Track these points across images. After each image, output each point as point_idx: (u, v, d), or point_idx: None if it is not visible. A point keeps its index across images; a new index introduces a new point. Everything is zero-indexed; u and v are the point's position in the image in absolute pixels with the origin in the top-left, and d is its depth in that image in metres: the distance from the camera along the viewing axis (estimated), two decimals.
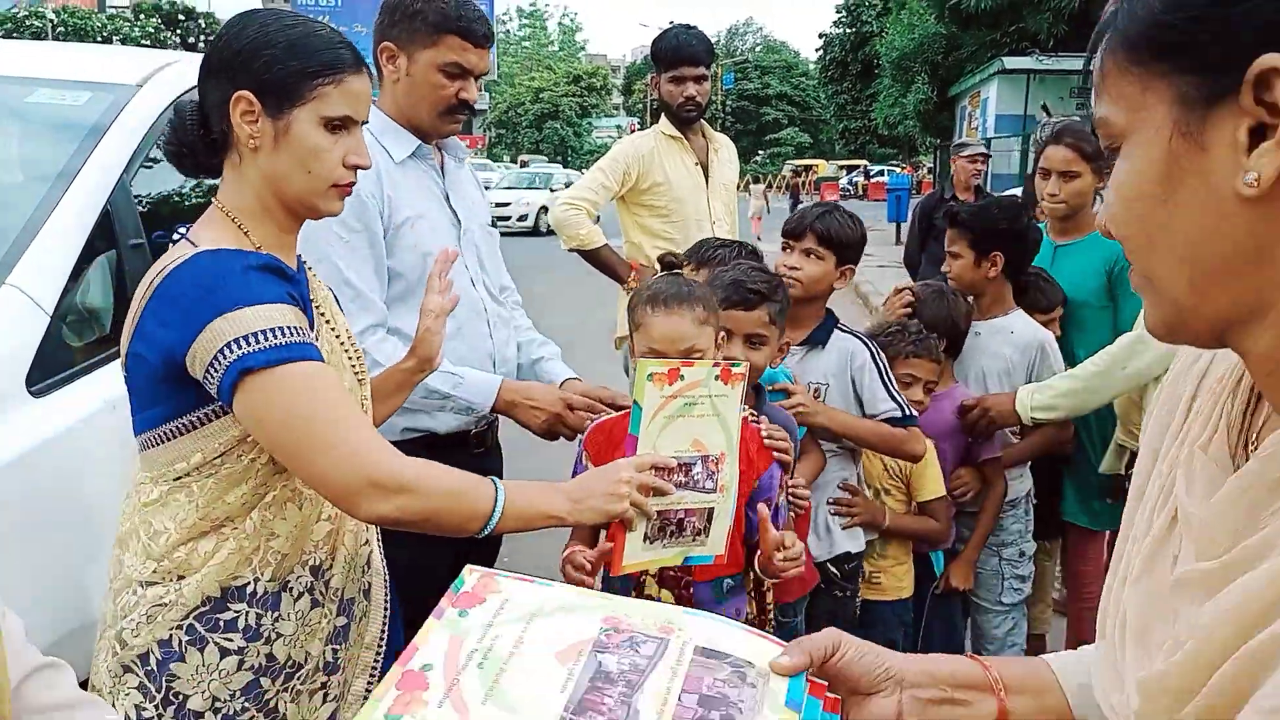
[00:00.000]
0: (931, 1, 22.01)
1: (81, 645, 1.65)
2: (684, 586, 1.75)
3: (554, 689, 0.83)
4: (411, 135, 2.21)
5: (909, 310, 2.63)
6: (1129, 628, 0.70)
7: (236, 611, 1.40)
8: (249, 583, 1.41)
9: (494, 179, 24.71)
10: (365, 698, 1.58)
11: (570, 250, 3.63)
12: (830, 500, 2.32)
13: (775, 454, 1.89)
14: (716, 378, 1.60)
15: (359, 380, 1.58)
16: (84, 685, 1.64)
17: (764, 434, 1.91)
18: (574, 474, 1.86)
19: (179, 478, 1.39)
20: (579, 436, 1.89)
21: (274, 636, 1.43)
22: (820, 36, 44.17)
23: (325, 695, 1.52)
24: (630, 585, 1.75)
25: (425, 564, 2.00)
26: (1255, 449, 0.63)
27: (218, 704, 1.40)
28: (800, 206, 2.49)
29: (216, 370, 1.29)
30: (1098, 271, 2.86)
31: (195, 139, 1.47)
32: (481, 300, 2.31)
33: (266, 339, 1.29)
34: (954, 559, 2.80)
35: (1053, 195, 2.90)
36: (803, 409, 2.16)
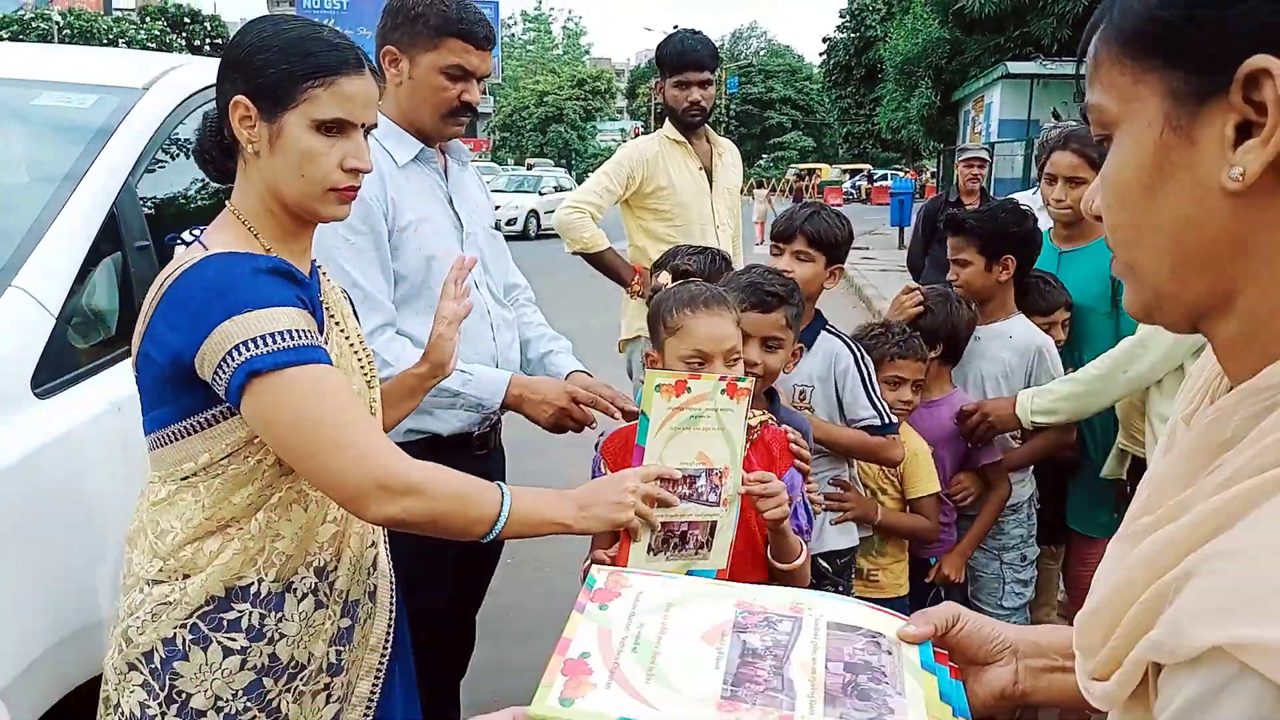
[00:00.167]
0: (935, 6, 22.02)
1: (85, 646, 1.66)
2: None
3: (708, 666, 0.91)
4: (414, 139, 2.22)
5: (920, 310, 2.62)
6: (1094, 578, 0.74)
7: (240, 611, 1.41)
8: (253, 583, 1.41)
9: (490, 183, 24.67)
10: (369, 699, 1.58)
11: (574, 253, 3.63)
12: (821, 495, 2.31)
13: (796, 460, 1.90)
14: (723, 391, 1.61)
15: (368, 383, 1.58)
16: (89, 686, 1.65)
17: (791, 438, 1.92)
18: (591, 477, 1.87)
19: (186, 477, 1.39)
20: (596, 440, 1.88)
21: (277, 637, 1.43)
22: (824, 41, 44.20)
23: (329, 696, 1.52)
24: None
25: (430, 565, 2.01)
26: None
27: (220, 703, 1.40)
28: (786, 208, 2.48)
29: (225, 372, 1.29)
30: (1102, 277, 2.86)
31: (212, 143, 1.48)
32: (485, 303, 2.31)
33: (274, 341, 1.29)
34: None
35: (1059, 201, 2.91)
36: (797, 415, 2.17)
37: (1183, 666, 0.56)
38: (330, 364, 1.37)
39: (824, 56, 45.53)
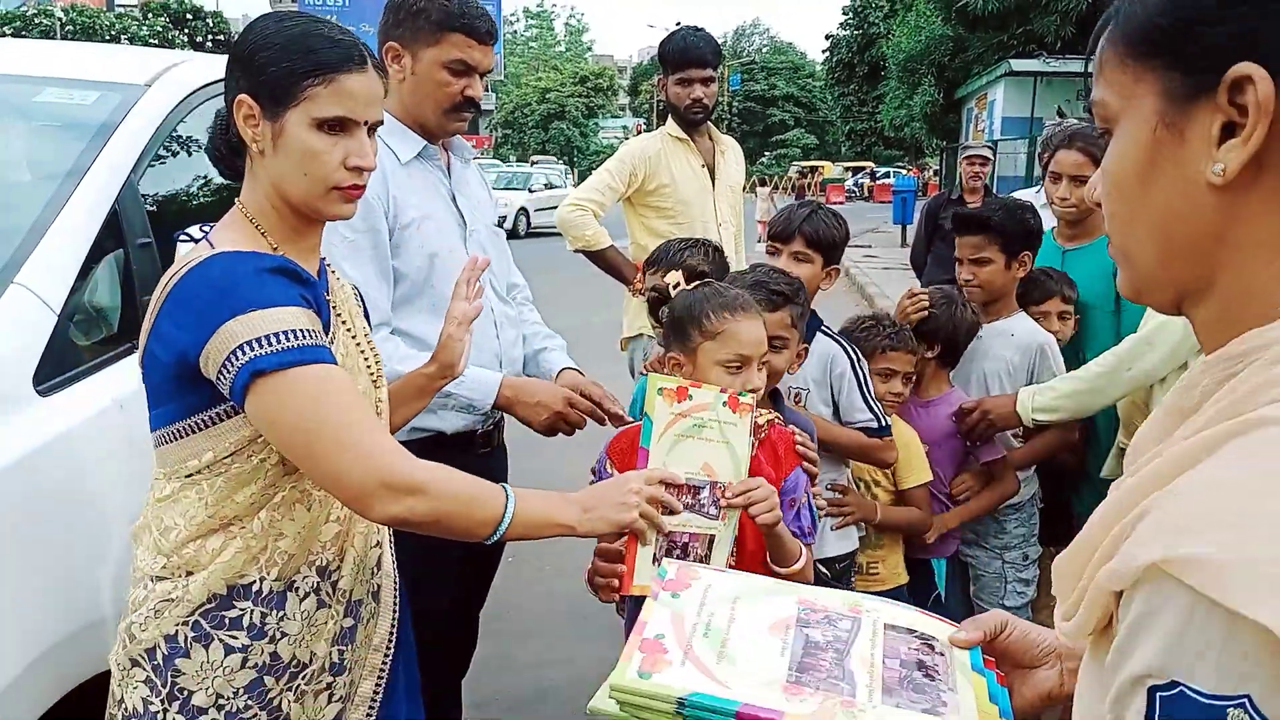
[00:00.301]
0: (938, 3, 21.96)
1: (87, 644, 1.66)
2: None
3: (774, 654, 1.00)
4: (417, 136, 2.22)
5: (924, 315, 2.60)
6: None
7: (241, 609, 1.41)
8: (254, 581, 1.41)
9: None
10: (372, 699, 1.58)
11: (576, 251, 3.63)
12: (820, 499, 2.29)
13: (804, 462, 1.90)
14: (724, 404, 1.60)
15: (374, 383, 1.58)
16: (93, 682, 1.65)
17: (798, 439, 1.91)
18: (596, 477, 1.87)
19: (190, 475, 1.39)
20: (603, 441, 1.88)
21: (279, 636, 1.43)
22: (827, 38, 44.10)
23: (331, 696, 1.52)
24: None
25: (435, 566, 2.01)
26: None
27: (221, 701, 1.40)
28: (783, 208, 2.45)
29: (229, 372, 1.29)
30: (1105, 275, 2.85)
31: (221, 141, 1.48)
32: (489, 300, 2.31)
33: (278, 341, 1.29)
34: (955, 565, 2.81)
35: (1063, 199, 2.90)
36: (802, 415, 2.17)
37: (1131, 591, 0.62)
38: (335, 363, 1.37)
39: (827, 53, 45.45)
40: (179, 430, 1.39)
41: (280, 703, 1.44)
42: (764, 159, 59.05)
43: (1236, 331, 0.67)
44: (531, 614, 3.75)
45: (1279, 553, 0.54)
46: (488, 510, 1.40)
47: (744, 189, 3.97)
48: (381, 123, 1.50)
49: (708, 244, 2.40)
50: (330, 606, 1.49)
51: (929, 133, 29.42)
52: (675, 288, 1.80)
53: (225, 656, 1.40)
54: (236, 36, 1.48)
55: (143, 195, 2.07)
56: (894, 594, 2.45)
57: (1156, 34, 0.68)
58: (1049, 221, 3.06)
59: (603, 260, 3.60)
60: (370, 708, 1.58)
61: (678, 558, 1.56)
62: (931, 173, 35.23)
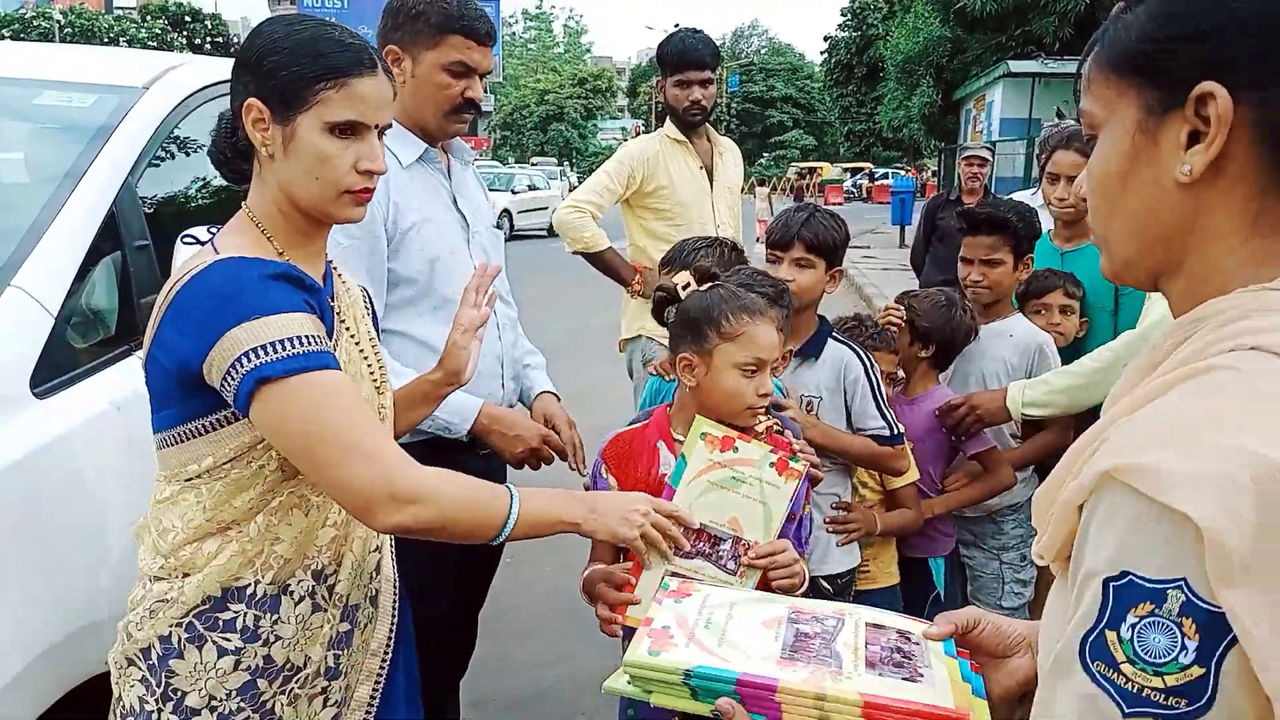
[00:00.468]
0: (936, 5, 21.98)
1: (86, 646, 1.66)
2: None
3: (769, 640, 1.13)
4: (418, 139, 2.22)
5: (895, 327, 2.59)
6: None
7: (236, 612, 1.41)
8: (249, 584, 1.41)
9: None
10: (369, 705, 1.57)
11: (574, 253, 3.63)
12: (826, 520, 2.28)
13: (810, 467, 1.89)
14: (771, 465, 1.60)
15: (377, 389, 1.57)
16: (92, 682, 1.65)
17: (797, 448, 1.91)
18: (591, 482, 1.86)
19: (190, 479, 1.39)
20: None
21: (272, 639, 1.43)
22: (825, 39, 44.18)
23: (326, 700, 1.51)
24: None
25: (435, 573, 2.00)
26: None
27: (214, 703, 1.40)
28: (779, 214, 2.42)
29: (233, 379, 1.29)
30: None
31: (227, 145, 1.47)
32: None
33: (283, 349, 1.29)
34: (954, 566, 2.80)
35: (1061, 200, 2.91)
36: (792, 422, 2.11)
37: (1089, 501, 0.73)
38: (339, 369, 1.36)
39: (825, 55, 45.52)
40: (180, 434, 1.39)
41: (273, 706, 1.44)
42: (762, 160, 59.06)
43: (1200, 303, 0.79)
44: (530, 614, 3.74)
45: (1208, 464, 0.66)
46: (492, 512, 1.40)
47: (742, 190, 3.97)
48: (390, 125, 1.49)
49: (725, 242, 2.37)
50: (326, 611, 1.49)
51: (927, 134, 29.46)
52: (685, 288, 1.78)
53: (218, 658, 1.40)
54: (242, 40, 1.48)
55: (141, 198, 2.07)
56: (887, 594, 2.46)
57: (1137, 57, 0.80)
58: (1046, 223, 3.07)
59: (601, 262, 3.60)
60: (367, 712, 1.58)
61: None
62: (930, 174, 35.26)
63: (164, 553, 1.40)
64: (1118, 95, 0.82)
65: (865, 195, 37.93)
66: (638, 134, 5.34)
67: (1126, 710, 0.68)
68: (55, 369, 1.74)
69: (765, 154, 61.12)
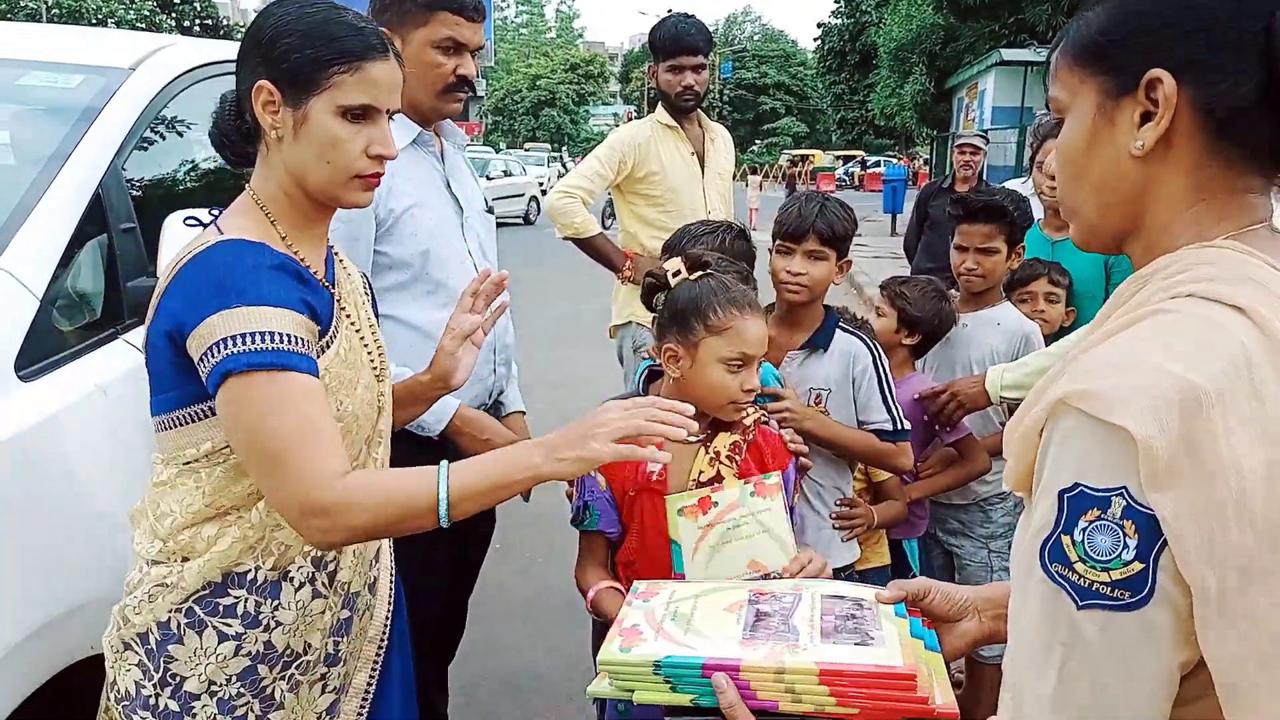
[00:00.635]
0: None
1: (71, 630, 1.65)
2: None
3: (731, 623, 1.20)
4: (412, 122, 2.20)
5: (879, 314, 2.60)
6: None
7: (236, 598, 1.40)
8: (250, 570, 1.40)
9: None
10: (366, 690, 1.58)
11: (565, 239, 3.62)
12: (832, 515, 2.26)
13: (800, 459, 1.88)
14: (752, 494, 1.59)
15: (377, 377, 1.55)
16: (83, 665, 1.65)
17: (787, 439, 1.90)
18: (579, 484, 1.79)
19: (188, 463, 1.38)
20: None
21: (273, 625, 1.42)
22: (818, 26, 44.05)
23: (325, 686, 1.51)
24: None
25: (426, 554, 2.00)
26: None
27: (214, 688, 1.40)
28: (790, 204, 2.32)
29: (205, 365, 1.27)
30: (1094, 264, 2.87)
31: (231, 128, 1.45)
32: None
33: (253, 341, 1.26)
34: (940, 554, 2.81)
35: (1054, 188, 2.91)
36: (790, 414, 2.09)
37: (1047, 426, 0.85)
38: (312, 374, 1.31)
39: (818, 42, 45.41)
40: (179, 418, 1.38)
41: (274, 691, 1.44)
42: (755, 147, 58.97)
43: (1153, 259, 0.92)
44: (518, 598, 3.75)
45: (1142, 386, 0.78)
46: (420, 499, 1.28)
47: (734, 178, 3.96)
48: (399, 110, 1.48)
49: (730, 228, 2.33)
50: (327, 598, 1.48)
51: (919, 122, 29.45)
52: (675, 275, 1.74)
53: (219, 644, 1.39)
54: (251, 21, 1.44)
55: (127, 180, 2.05)
56: (878, 573, 2.45)
57: (1096, 49, 0.92)
58: (1036, 213, 3.07)
59: (592, 248, 3.59)
60: (364, 699, 1.58)
61: None
62: (921, 161, 35.26)
63: (162, 536, 1.40)
64: (1080, 82, 0.94)
65: (857, 183, 37.91)
66: (630, 120, 5.33)
67: (1080, 603, 0.80)
68: (40, 352, 1.73)
69: (758, 141, 61.00)
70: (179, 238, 1.64)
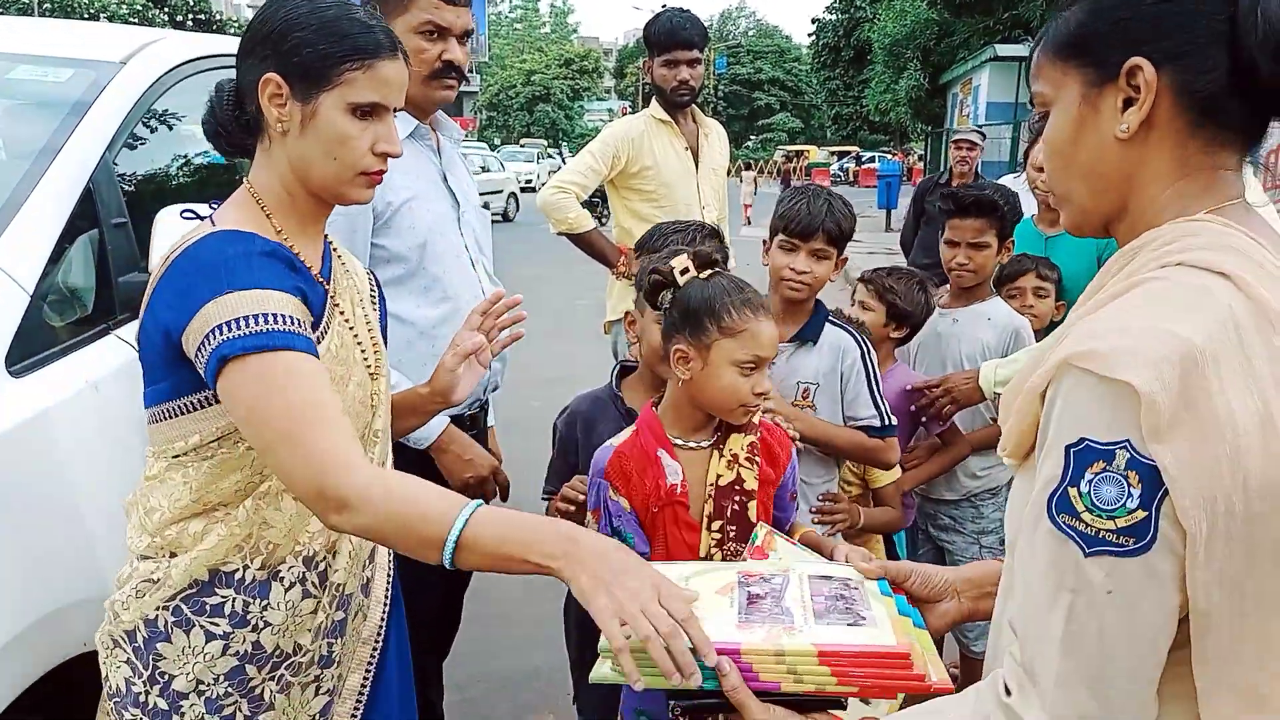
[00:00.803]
0: None
1: (62, 627, 1.64)
2: None
3: (724, 607, 1.20)
4: (408, 115, 2.19)
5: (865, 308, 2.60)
6: None
7: (224, 597, 1.39)
8: (237, 569, 1.39)
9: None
10: (360, 692, 1.56)
11: (559, 234, 3.61)
12: (812, 510, 2.25)
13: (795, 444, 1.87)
14: (754, 547, 1.55)
15: (371, 375, 1.53)
16: (85, 661, 1.64)
17: (790, 432, 1.88)
18: (597, 505, 1.73)
19: (177, 456, 1.38)
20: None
21: (261, 625, 1.41)
22: (813, 22, 43.98)
23: (318, 688, 1.50)
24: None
25: (423, 571, 1.99)
26: None
27: (201, 687, 1.39)
28: (796, 199, 2.27)
29: (203, 355, 1.26)
30: (1086, 258, 2.87)
31: (230, 119, 1.44)
32: (479, 282, 2.30)
33: (249, 325, 1.25)
34: (932, 549, 2.82)
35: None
36: (773, 413, 2.04)
37: (1051, 387, 0.90)
38: (312, 354, 1.30)
39: (813, 37, 45.32)
40: (169, 410, 1.37)
41: (262, 692, 1.43)
42: (750, 143, 58.95)
43: (1138, 234, 0.97)
44: (512, 597, 3.74)
45: (1144, 345, 0.83)
46: (429, 530, 1.18)
47: (729, 173, 3.96)
48: (402, 108, 1.47)
49: (702, 227, 2.33)
50: (318, 598, 1.46)
51: (914, 118, 29.45)
52: (683, 273, 1.70)
53: (206, 643, 1.38)
54: (257, 13, 1.42)
55: (119, 174, 2.04)
56: None
57: (1077, 43, 0.99)
58: (1028, 208, 3.08)
59: (586, 243, 3.58)
60: (358, 701, 1.56)
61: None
62: (916, 157, 35.27)
63: (150, 531, 1.39)
64: (1063, 75, 1.01)
65: (852, 179, 37.91)
66: (624, 115, 5.29)
67: (1088, 551, 0.85)
68: (31, 348, 1.72)
69: (752, 136, 60.99)
70: (172, 232, 1.63)
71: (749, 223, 18.31)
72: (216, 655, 1.39)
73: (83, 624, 1.53)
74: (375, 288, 1.68)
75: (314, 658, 1.48)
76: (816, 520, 2.25)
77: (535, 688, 3.15)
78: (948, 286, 2.81)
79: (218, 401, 1.33)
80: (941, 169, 6.51)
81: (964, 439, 2.65)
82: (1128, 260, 0.96)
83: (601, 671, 1.17)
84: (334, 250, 1.57)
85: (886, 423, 2.26)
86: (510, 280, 2.54)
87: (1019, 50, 19.28)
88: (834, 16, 41.86)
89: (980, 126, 17.41)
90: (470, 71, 2.29)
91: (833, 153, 44.36)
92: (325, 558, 1.47)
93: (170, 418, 1.37)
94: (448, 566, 1.18)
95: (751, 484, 1.72)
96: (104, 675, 1.43)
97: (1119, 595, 0.85)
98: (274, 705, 1.44)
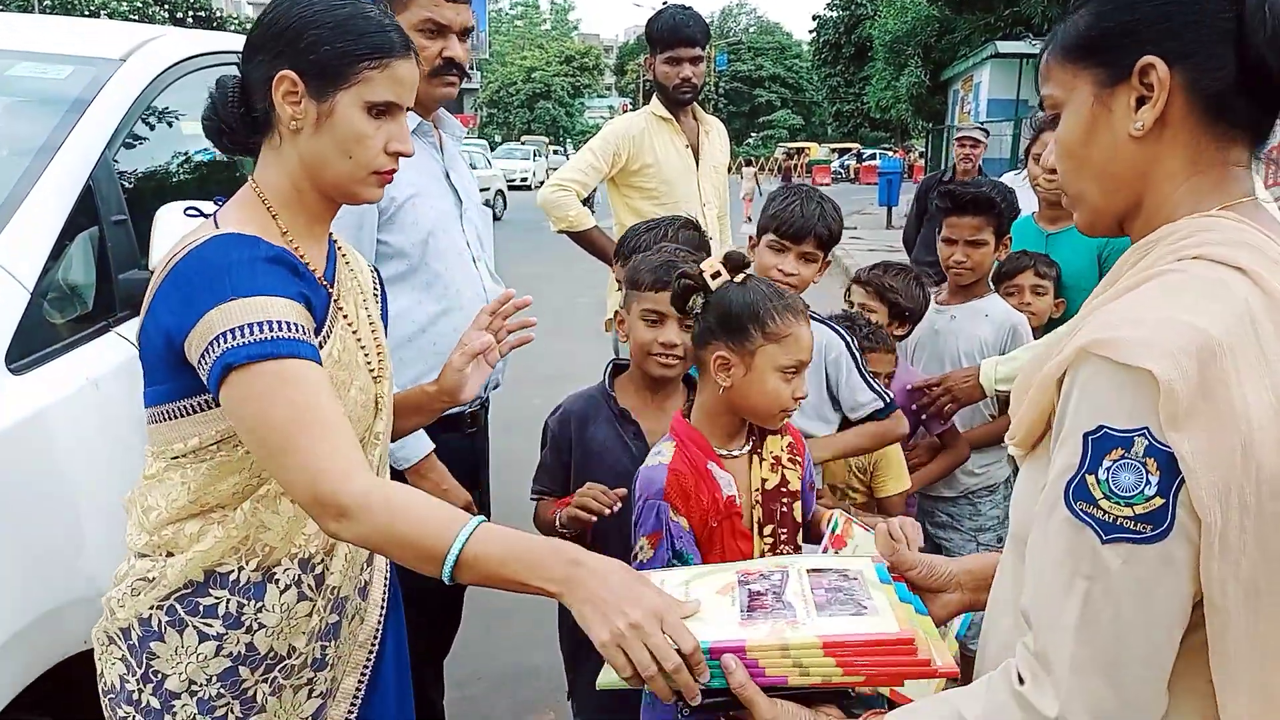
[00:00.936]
0: None
1: (63, 625, 1.64)
2: None
3: (726, 606, 1.20)
4: (412, 112, 2.18)
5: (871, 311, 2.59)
6: None
7: (217, 598, 1.39)
8: (233, 570, 1.39)
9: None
10: (354, 696, 1.56)
11: (559, 232, 3.61)
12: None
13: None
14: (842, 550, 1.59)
15: (374, 378, 1.52)
16: (72, 660, 1.64)
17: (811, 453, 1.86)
18: (658, 528, 1.62)
19: (175, 457, 1.37)
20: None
21: (256, 627, 1.40)
22: (814, 19, 43.96)
23: (311, 691, 1.49)
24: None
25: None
26: None
27: (194, 687, 1.38)
28: (788, 200, 2.28)
29: (206, 362, 1.26)
30: (1087, 255, 2.87)
31: (235, 116, 1.42)
32: (481, 279, 2.30)
33: (254, 332, 1.24)
34: (929, 547, 2.81)
35: (1051, 180, 2.92)
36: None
37: (1068, 375, 0.90)
38: (315, 360, 1.30)
39: (814, 34, 45.31)
40: (169, 411, 1.36)
41: (255, 694, 1.42)
42: (750, 140, 58.90)
43: (1152, 230, 0.99)
44: (514, 594, 3.73)
45: (1163, 335, 0.84)
46: (429, 544, 1.17)
47: (729, 170, 3.95)
48: (411, 107, 1.48)
49: (674, 220, 2.33)
50: (314, 601, 1.46)
51: (915, 115, 29.43)
52: (715, 277, 1.65)
53: (199, 643, 1.38)
54: (268, 10, 1.40)
55: (119, 172, 2.04)
56: None
57: (1088, 44, 1.00)
58: (1026, 205, 3.08)
59: (586, 241, 3.58)
60: (352, 704, 1.56)
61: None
62: (917, 155, 35.24)
63: (148, 529, 1.39)
64: (1073, 77, 1.02)
65: (853, 176, 37.88)
66: (624, 112, 5.28)
67: (1105, 538, 0.86)
68: (31, 345, 1.71)
69: (753, 133, 60.94)
70: (173, 229, 1.62)
71: (749, 220, 18.29)
72: (210, 656, 1.38)
73: (83, 621, 1.53)
74: (378, 283, 1.67)
75: (308, 660, 1.47)
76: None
77: (535, 686, 3.15)
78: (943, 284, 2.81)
79: (218, 405, 1.32)
80: (942, 166, 6.50)
81: (963, 441, 2.65)
82: (1144, 253, 0.97)
83: (609, 678, 1.17)
84: (339, 249, 1.56)
85: (887, 400, 2.26)
86: (510, 278, 2.53)
87: (1020, 47, 19.26)
88: (835, 13, 41.84)
89: (982, 123, 17.41)
90: (470, 69, 2.29)
91: (833, 150, 44.34)
92: (322, 560, 1.47)
93: (170, 419, 1.37)
94: (446, 582, 1.17)
95: (795, 485, 1.71)
96: (99, 671, 1.43)
97: (1135, 582, 0.85)
98: (266, 707, 1.43)
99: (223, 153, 1.51)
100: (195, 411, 1.35)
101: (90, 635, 1.45)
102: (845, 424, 2.32)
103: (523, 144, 36.28)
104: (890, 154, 30.80)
